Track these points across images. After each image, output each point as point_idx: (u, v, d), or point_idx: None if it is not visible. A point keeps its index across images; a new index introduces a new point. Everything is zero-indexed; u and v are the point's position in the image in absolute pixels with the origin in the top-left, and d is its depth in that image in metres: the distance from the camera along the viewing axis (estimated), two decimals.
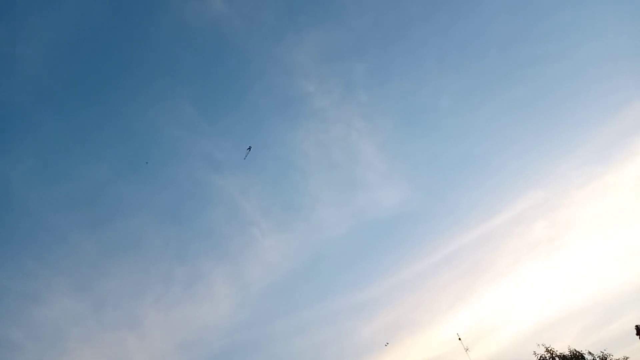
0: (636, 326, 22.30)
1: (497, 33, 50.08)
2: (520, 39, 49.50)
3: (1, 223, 45.91)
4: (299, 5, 52.35)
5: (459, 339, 23.94)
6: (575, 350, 22.21)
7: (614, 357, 21.76)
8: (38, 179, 48.29)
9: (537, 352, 22.53)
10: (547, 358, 22.32)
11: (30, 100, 48.76)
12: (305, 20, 52.01)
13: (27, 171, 47.73)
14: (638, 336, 22.09)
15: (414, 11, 51.47)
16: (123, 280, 46.79)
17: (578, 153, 43.70)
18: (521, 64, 48.81)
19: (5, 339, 39.49)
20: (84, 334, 42.01)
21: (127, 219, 49.53)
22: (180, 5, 50.49)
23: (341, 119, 51.48)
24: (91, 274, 46.78)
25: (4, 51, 45.77)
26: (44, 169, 48.55)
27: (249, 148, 35.01)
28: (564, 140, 46.07)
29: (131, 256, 48.32)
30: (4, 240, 45.38)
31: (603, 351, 22.02)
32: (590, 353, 22.08)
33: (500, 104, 48.88)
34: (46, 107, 49.60)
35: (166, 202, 50.92)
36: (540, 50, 47.39)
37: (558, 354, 22.30)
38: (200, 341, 42.73)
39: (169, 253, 48.76)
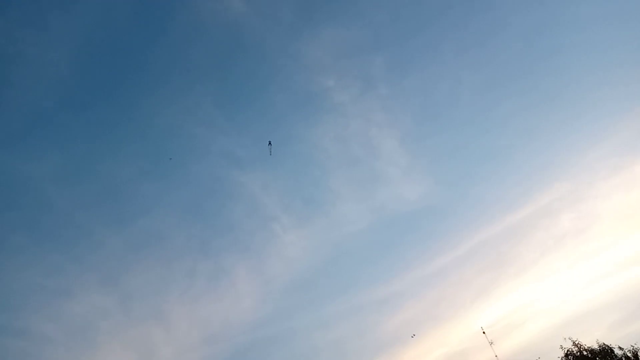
0: None
1: (518, 24, 49.55)
2: (542, 29, 48.95)
3: (31, 222, 46.90)
4: (315, 1, 52.38)
5: (483, 332, 23.93)
6: (604, 344, 21.50)
7: None
8: (64, 177, 49.27)
9: (563, 346, 21.96)
10: (575, 352, 21.62)
11: (54, 100, 49.80)
12: (322, 16, 52.05)
13: (53, 170, 48.70)
14: None
15: (432, 3, 51.21)
16: (148, 275, 47.30)
17: (604, 144, 43.09)
18: (544, 55, 48.01)
19: (39, 332, 40.18)
20: (112, 328, 42.58)
21: (150, 216, 49.98)
22: (198, 3, 50.92)
23: (361, 114, 51.25)
24: (117, 269, 47.46)
25: (27, 52, 46.50)
26: (69, 168, 49.51)
27: (270, 143, 35.07)
28: (589, 131, 45.41)
29: (155, 251, 48.88)
30: (35, 238, 46.30)
31: (634, 345, 21.30)
32: (620, 348, 21.39)
33: (523, 96, 48.23)
34: (69, 106, 50.63)
35: (188, 198, 51.13)
36: (564, 40, 46.96)
37: (586, 347, 21.62)
38: (224, 335, 43.04)
39: (192, 248, 49.14)
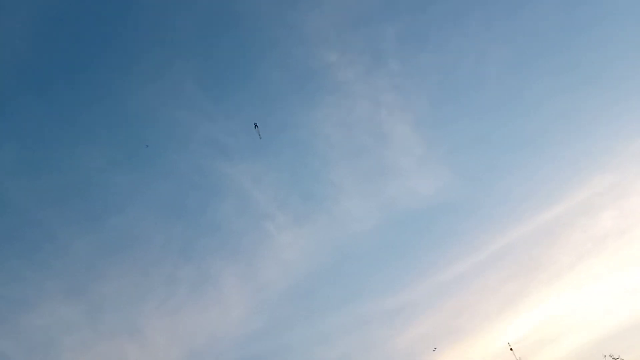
0: None
1: None
2: None
3: None
4: None
5: (511, 349, 24.08)
6: None
7: None
8: (21, 169, 44.60)
9: None
10: None
11: (9, 80, 44.88)
12: None
13: (8, 161, 43.91)
14: None
15: None
16: (121, 282, 43.49)
17: None
18: (584, 26, 44.86)
19: None
20: (78, 344, 39.42)
21: (123, 214, 45.58)
22: None
23: (368, 95, 47.06)
24: (85, 276, 43.34)
25: None
26: (27, 159, 44.71)
27: (256, 125, 33.28)
28: (636, 116, 41.89)
29: (129, 255, 44.75)
30: None
31: None
32: None
33: (559, 75, 44.81)
34: (28, 87, 45.57)
35: (168, 193, 46.83)
36: (609, 9, 43.02)
37: None
38: (209, 352, 39.92)
39: (172, 251, 45.26)
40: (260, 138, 34.43)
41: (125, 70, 46.83)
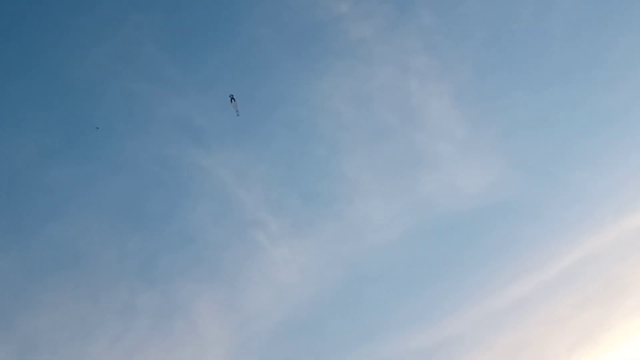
0: None
1: None
2: None
3: None
4: None
5: None
6: None
7: None
8: None
9: None
10: None
11: None
12: None
13: None
14: None
15: None
16: (61, 313, 35.59)
17: None
18: None
19: None
20: None
21: (62, 220, 37.56)
22: None
23: (392, 58, 39.29)
24: (12, 305, 35.05)
25: None
26: None
27: (232, 98, 28.80)
28: None
29: (72, 277, 36.68)
30: None
31: None
32: None
33: None
34: None
35: (121, 193, 38.94)
36: None
37: None
38: None
39: (128, 271, 37.31)
40: (238, 115, 28.98)
41: (64, 28, 38.62)
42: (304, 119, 39.94)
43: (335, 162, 39.73)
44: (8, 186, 37.49)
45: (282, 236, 38.18)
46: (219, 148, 39.51)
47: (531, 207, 37.93)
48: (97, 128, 35.94)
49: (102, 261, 37.41)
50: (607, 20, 38.72)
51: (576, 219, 36.27)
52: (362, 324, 36.04)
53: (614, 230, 34.45)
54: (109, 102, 38.86)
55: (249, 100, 34.39)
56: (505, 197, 37.40)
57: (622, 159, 37.53)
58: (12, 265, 35.67)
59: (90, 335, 34.78)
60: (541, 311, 34.54)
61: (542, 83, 39.35)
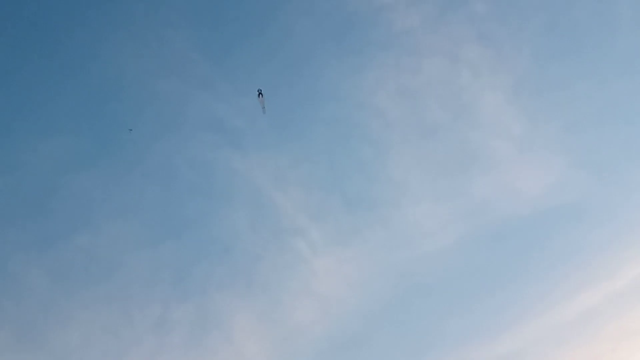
0: None
1: None
2: None
3: None
4: None
5: None
6: None
7: None
8: None
9: None
10: None
11: None
12: None
13: None
14: None
15: None
16: (92, 328, 34.29)
17: None
18: None
19: None
20: None
21: (94, 231, 36.39)
22: None
23: (442, 49, 37.60)
24: (43, 319, 34.07)
25: None
26: None
27: (260, 93, 27.76)
28: None
29: (103, 290, 35.57)
30: None
31: None
32: None
33: None
34: None
35: (155, 200, 37.68)
36: None
37: None
38: None
39: (161, 284, 36.11)
40: (264, 111, 28.04)
41: (88, 22, 37.26)
42: (346, 117, 38.39)
43: (381, 164, 38.08)
44: (38, 195, 36.78)
45: (324, 244, 36.50)
46: (255, 150, 38.09)
47: (598, 209, 35.58)
48: (131, 130, 34.71)
49: (135, 273, 36.26)
50: None
51: None
52: (412, 338, 34.23)
53: None
54: (139, 104, 37.72)
55: (286, 99, 32.99)
56: (569, 199, 35.30)
57: None
58: (42, 278, 34.69)
59: (123, 351, 33.40)
60: (612, 324, 32.31)
61: (607, 73, 36.86)
